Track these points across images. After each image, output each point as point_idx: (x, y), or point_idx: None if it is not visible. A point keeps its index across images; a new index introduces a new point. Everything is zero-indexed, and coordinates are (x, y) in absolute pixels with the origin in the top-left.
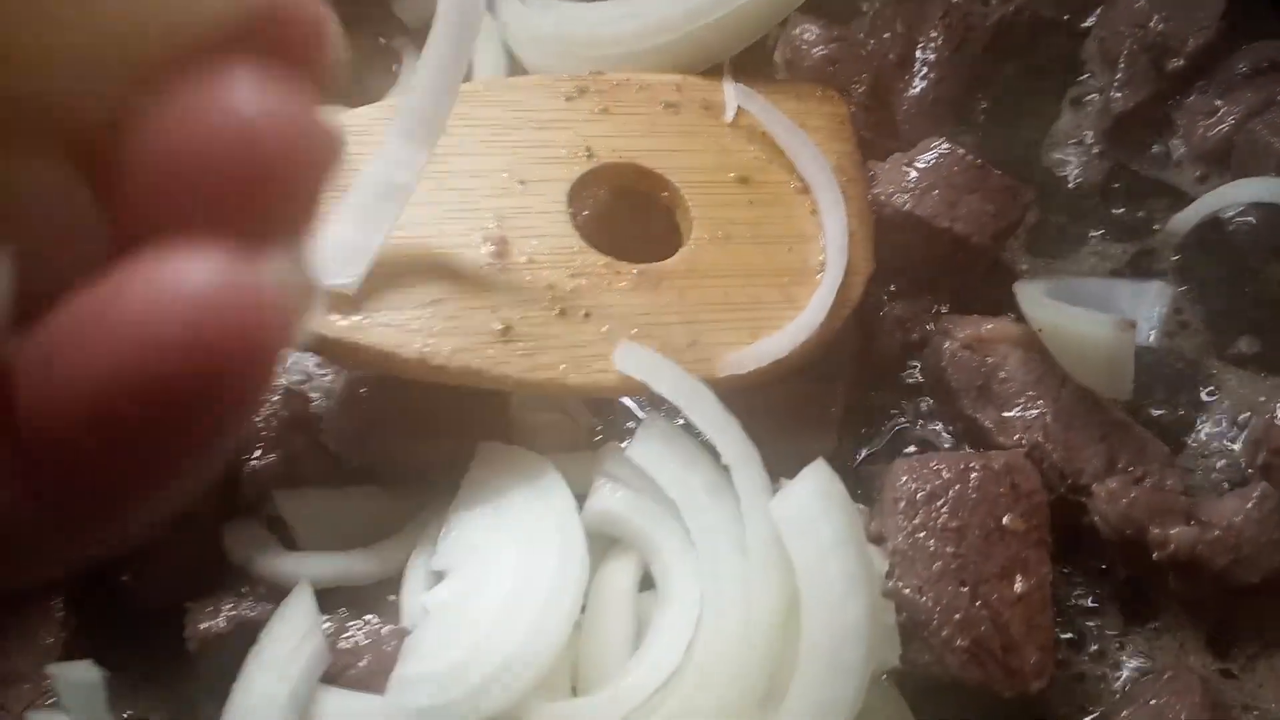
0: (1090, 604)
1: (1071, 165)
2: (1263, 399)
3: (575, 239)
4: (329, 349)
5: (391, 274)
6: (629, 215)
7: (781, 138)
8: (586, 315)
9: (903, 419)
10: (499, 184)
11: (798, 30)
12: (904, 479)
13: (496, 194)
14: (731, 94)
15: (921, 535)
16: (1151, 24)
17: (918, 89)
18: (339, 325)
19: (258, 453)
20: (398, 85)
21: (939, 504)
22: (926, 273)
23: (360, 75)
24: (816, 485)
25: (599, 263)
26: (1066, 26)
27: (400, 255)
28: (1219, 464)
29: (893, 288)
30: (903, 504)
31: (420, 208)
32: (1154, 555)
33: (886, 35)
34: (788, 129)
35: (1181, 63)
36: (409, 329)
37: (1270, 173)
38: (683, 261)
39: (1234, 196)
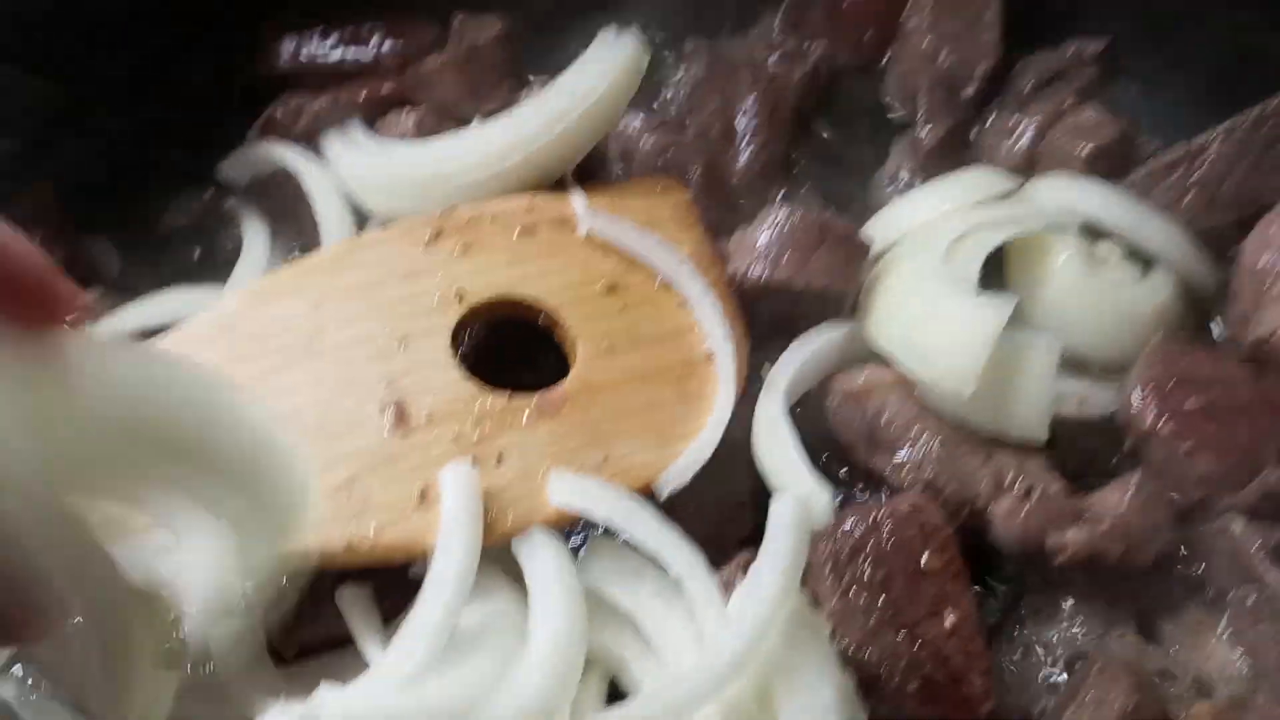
0: (1012, 614)
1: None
2: (1117, 391)
3: (469, 384)
4: None
5: None
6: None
7: (634, 248)
8: (500, 459)
9: None
10: (380, 347)
11: (623, 124)
12: (823, 543)
13: (381, 358)
14: (582, 211)
15: (852, 593)
16: (940, 60)
17: (744, 158)
18: None
19: None
20: (243, 252)
21: (861, 559)
22: (796, 330)
23: (197, 235)
24: (770, 584)
25: (499, 403)
26: (864, 70)
27: (300, 445)
28: (1089, 456)
29: (767, 355)
30: (829, 567)
31: (306, 390)
32: (1055, 561)
33: (705, 114)
34: (637, 237)
35: (974, 88)
36: (327, 519)
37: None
38: (576, 381)
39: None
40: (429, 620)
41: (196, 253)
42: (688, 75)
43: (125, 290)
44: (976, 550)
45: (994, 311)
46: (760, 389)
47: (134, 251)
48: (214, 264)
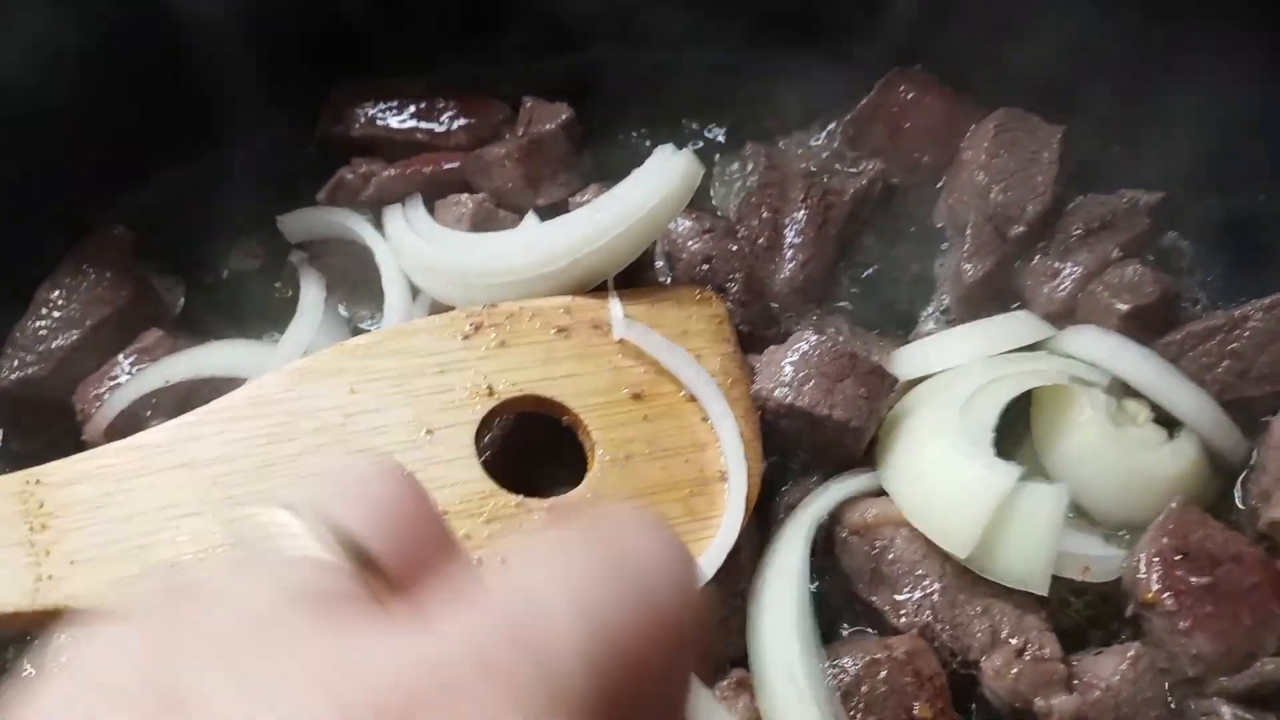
0: None
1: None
2: (1124, 558)
3: (485, 481)
4: None
5: None
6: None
7: (665, 360)
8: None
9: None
10: (406, 436)
11: (673, 225)
12: None
13: (404, 447)
14: (618, 318)
15: None
16: (993, 195)
17: (788, 272)
18: None
19: None
20: (297, 314)
21: (854, 702)
22: (813, 457)
23: (262, 281)
24: None
25: (511, 504)
26: (917, 191)
27: None
28: (1089, 616)
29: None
30: None
31: None
32: None
33: (755, 221)
34: (667, 349)
35: (1023, 229)
36: None
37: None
38: (589, 489)
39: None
40: None
41: (258, 299)
42: (742, 179)
43: (186, 329)
44: (971, 701)
45: (999, 479)
46: (771, 511)
47: (198, 292)
48: (275, 312)
